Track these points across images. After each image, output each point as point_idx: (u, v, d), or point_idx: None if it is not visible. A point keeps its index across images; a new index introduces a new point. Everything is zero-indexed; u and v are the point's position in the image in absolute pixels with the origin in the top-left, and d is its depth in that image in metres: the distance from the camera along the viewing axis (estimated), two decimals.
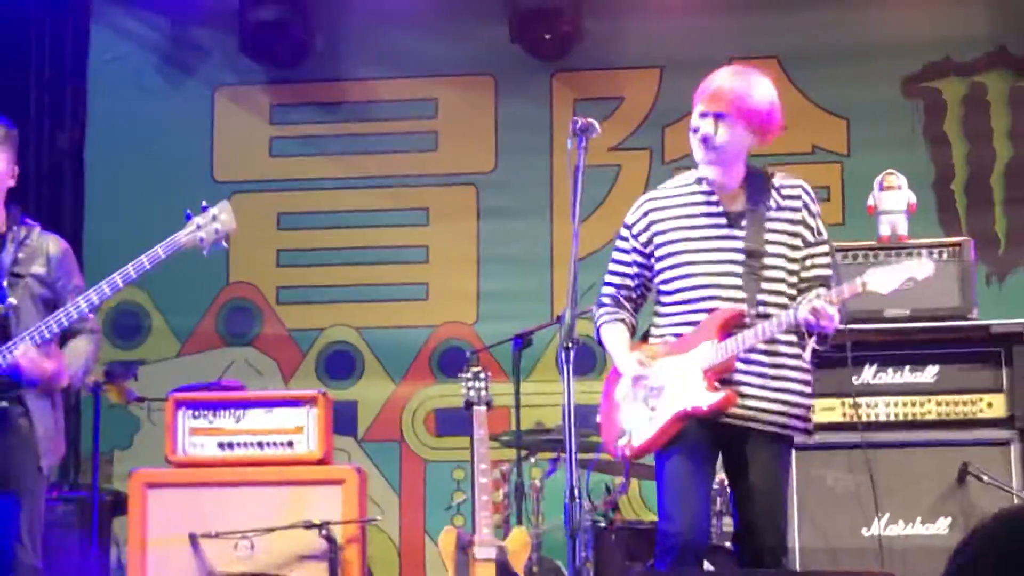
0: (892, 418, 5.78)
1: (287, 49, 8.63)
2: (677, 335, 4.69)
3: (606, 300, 4.89)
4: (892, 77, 8.34)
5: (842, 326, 4.62)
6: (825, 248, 4.77)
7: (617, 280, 4.88)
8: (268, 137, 8.85)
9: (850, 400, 5.66)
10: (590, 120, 4.56)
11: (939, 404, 5.78)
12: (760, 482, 4.64)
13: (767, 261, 4.65)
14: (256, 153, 8.83)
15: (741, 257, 4.65)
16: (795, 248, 4.71)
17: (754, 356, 4.61)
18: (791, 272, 4.69)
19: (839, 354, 5.05)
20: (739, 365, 4.59)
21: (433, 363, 8.55)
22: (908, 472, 5.66)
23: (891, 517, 5.64)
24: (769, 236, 4.67)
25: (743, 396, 4.59)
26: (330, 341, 8.67)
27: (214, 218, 5.08)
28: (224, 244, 5.15)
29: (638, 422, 4.70)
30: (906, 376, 5.81)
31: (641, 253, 4.80)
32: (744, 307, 4.60)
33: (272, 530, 6.02)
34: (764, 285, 4.64)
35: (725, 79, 4.69)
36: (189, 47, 8.87)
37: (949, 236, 6.48)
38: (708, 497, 4.91)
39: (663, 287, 4.76)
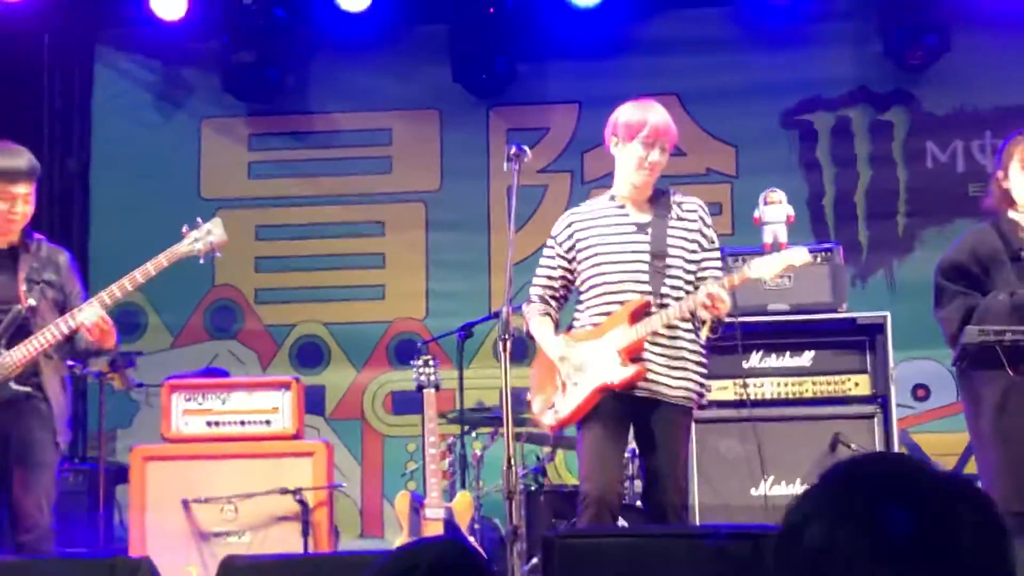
0: (775, 396, 5.84)
1: (263, 87, 8.59)
2: (595, 324, 4.75)
3: (535, 299, 4.97)
4: (772, 111, 8.39)
5: (731, 320, 4.72)
6: (717, 254, 4.89)
7: (544, 282, 4.95)
8: (247, 162, 8.80)
9: (740, 381, 5.70)
10: (524, 148, 4.63)
11: (815, 384, 5.84)
12: (663, 442, 4.70)
13: (669, 262, 4.75)
14: (237, 175, 8.77)
15: (647, 258, 4.74)
16: (692, 252, 4.80)
17: (659, 340, 4.69)
18: (689, 271, 4.78)
19: (731, 343, 5.11)
20: (647, 346, 4.66)
21: (389, 352, 8.53)
22: (789, 441, 5.71)
23: (775, 479, 5.68)
24: (670, 241, 4.77)
25: (650, 371, 4.66)
26: (301, 335, 8.63)
27: (208, 232, 5.08)
28: (218, 254, 5.14)
29: (563, 396, 4.76)
30: (787, 360, 5.88)
31: (564, 259, 4.89)
32: (650, 299, 4.68)
33: (253, 495, 6.00)
34: (666, 281, 4.73)
35: (662, 116, 4.79)
36: (179, 85, 8.81)
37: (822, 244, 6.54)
38: (621, 461, 4.97)
39: (583, 285, 4.84)
